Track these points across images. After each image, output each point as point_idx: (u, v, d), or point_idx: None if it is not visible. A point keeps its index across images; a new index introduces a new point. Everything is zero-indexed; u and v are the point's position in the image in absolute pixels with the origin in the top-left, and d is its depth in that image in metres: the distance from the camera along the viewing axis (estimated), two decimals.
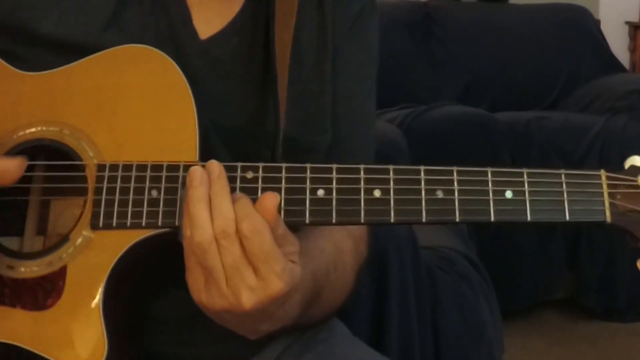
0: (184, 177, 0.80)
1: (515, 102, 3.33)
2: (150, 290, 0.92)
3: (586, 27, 3.61)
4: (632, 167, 0.82)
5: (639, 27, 4.54)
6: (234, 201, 0.77)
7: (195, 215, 0.76)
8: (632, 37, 4.56)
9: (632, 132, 2.89)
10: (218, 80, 0.94)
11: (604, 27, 3.82)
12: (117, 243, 0.82)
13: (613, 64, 3.59)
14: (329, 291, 0.92)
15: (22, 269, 0.83)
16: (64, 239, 0.83)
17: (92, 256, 0.82)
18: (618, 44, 4.25)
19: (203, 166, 0.79)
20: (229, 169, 0.80)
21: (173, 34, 0.93)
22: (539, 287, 2.87)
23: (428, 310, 1.70)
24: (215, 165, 0.78)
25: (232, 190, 0.79)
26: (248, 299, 0.76)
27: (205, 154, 0.84)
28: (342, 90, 1.00)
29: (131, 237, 0.82)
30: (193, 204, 0.76)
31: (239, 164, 0.81)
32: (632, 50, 4.55)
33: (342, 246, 0.96)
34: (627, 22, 4.58)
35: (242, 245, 0.75)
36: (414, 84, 3.33)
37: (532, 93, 3.44)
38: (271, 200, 0.77)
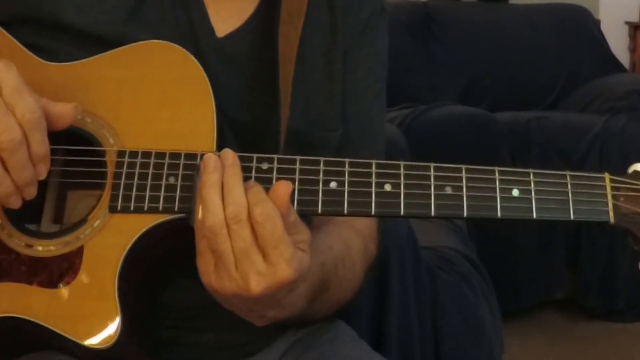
0: (199, 165, 0.82)
1: (515, 102, 3.34)
2: (163, 276, 0.93)
3: (586, 27, 3.61)
4: (635, 172, 0.84)
5: (639, 27, 4.54)
6: (246, 189, 0.79)
7: (208, 200, 0.78)
8: (632, 37, 4.56)
9: (632, 132, 2.89)
10: (232, 77, 0.96)
11: (604, 27, 3.82)
12: (133, 226, 0.84)
13: (613, 64, 3.59)
14: (337, 286, 0.94)
15: (40, 248, 0.85)
16: (82, 221, 0.85)
17: (109, 238, 0.84)
18: (618, 44, 4.25)
19: (219, 155, 0.81)
20: (245, 160, 0.83)
21: (191, 31, 0.96)
22: (539, 287, 2.87)
23: (428, 311, 1.70)
24: (229, 153, 0.81)
25: (247, 179, 0.81)
26: (257, 284, 0.77)
27: (219, 149, 0.86)
28: (352, 91, 1.03)
29: (148, 221, 0.84)
30: (206, 189, 0.78)
31: (255, 155, 0.84)
32: (632, 50, 4.55)
33: (350, 244, 0.97)
34: (627, 22, 4.58)
35: (253, 230, 0.77)
36: (414, 84, 3.33)
37: (532, 93, 3.44)
38: (284, 187, 0.79)
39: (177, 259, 0.90)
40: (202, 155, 0.83)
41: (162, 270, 0.93)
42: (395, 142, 2.44)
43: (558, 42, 3.52)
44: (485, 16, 3.57)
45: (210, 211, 0.77)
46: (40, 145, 0.79)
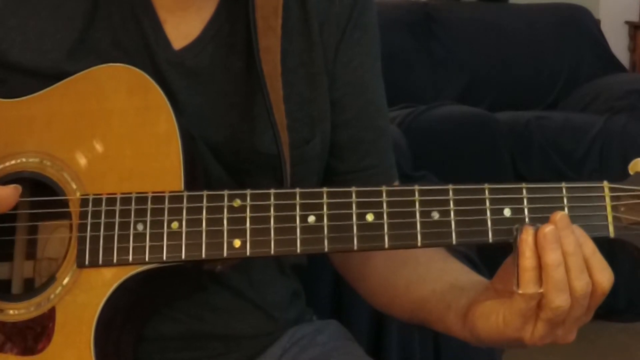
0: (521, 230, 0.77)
1: (515, 102, 3.34)
2: (144, 317, 0.89)
3: (586, 27, 3.61)
4: (637, 174, 0.79)
5: (639, 27, 4.54)
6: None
7: (560, 280, 0.74)
8: (632, 37, 4.56)
9: (632, 132, 2.88)
10: (196, 92, 0.91)
11: (604, 27, 3.83)
12: (105, 281, 0.79)
13: (613, 64, 3.59)
14: None
15: (11, 312, 0.81)
16: (51, 279, 0.81)
17: (80, 296, 0.80)
18: (618, 44, 4.25)
19: (191, 196, 0.78)
20: (215, 198, 0.79)
21: (146, 46, 0.91)
22: None
23: None
24: (563, 217, 0.75)
25: (219, 220, 0.78)
26: (575, 334, 0.79)
27: (195, 161, 0.83)
28: (352, 81, 0.96)
29: (120, 274, 0.79)
30: (555, 269, 0.74)
31: (226, 192, 0.79)
32: (632, 50, 4.55)
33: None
34: (627, 22, 4.59)
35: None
36: (414, 84, 3.33)
37: (532, 93, 3.44)
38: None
39: (158, 299, 0.87)
40: (170, 197, 0.79)
41: (142, 313, 0.88)
42: (395, 142, 2.43)
43: (558, 42, 3.53)
44: (485, 16, 3.58)
45: (562, 291, 0.74)
46: None
